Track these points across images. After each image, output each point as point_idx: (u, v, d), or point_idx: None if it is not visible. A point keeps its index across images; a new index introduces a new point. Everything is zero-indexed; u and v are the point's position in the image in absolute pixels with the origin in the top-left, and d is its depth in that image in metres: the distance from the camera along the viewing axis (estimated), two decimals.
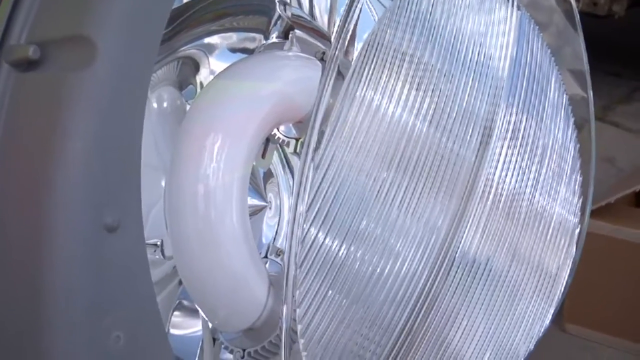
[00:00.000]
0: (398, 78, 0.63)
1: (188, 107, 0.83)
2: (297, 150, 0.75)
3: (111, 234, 0.50)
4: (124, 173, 0.51)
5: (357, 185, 0.61)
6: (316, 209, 0.59)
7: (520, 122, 0.70)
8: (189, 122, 0.65)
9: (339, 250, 0.61)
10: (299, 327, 0.58)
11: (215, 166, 0.63)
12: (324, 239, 0.60)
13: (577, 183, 0.77)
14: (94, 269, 0.49)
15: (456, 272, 0.65)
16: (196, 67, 0.85)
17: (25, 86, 0.51)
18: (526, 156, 0.70)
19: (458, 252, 0.65)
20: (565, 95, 0.75)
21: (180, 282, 0.80)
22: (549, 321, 0.76)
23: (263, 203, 0.85)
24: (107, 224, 0.50)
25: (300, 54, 0.74)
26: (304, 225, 0.58)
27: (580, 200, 0.78)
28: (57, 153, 0.48)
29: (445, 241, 0.64)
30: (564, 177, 0.75)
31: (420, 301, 0.64)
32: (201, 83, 0.84)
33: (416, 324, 0.64)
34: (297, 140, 0.75)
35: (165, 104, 0.82)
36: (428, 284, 0.64)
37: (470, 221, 0.65)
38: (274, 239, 0.86)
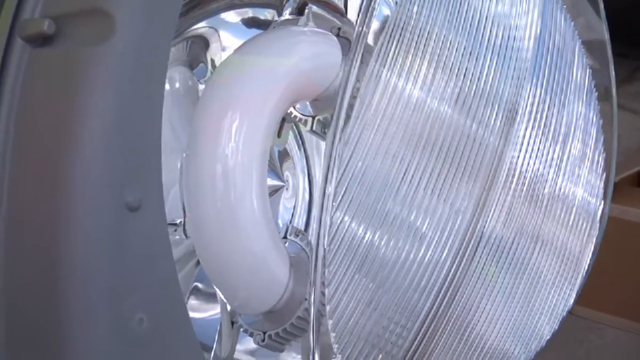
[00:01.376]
0: (423, 59, 0.62)
1: (200, 86, 0.82)
2: (314, 128, 0.73)
3: (133, 214, 0.48)
4: (144, 151, 0.50)
5: (383, 168, 0.60)
6: (342, 193, 0.58)
7: (545, 102, 0.68)
8: (206, 101, 0.63)
9: (364, 235, 0.60)
10: (327, 307, 0.57)
11: (233, 146, 0.61)
12: (350, 223, 0.59)
13: (599, 163, 0.76)
14: (115, 249, 0.48)
15: (480, 257, 0.65)
16: (206, 45, 0.83)
17: (40, 62, 0.50)
18: (550, 137, 0.69)
19: (482, 237, 0.64)
20: (588, 70, 0.74)
21: (197, 263, 0.78)
22: (572, 302, 0.76)
23: (280, 183, 0.83)
24: (128, 203, 0.48)
25: (317, 29, 0.72)
26: (332, 205, 0.57)
27: (603, 181, 0.76)
28: (76, 131, 0.47)
29: (470, 225, 0.63)
30: (587, 157, 0.74)
31: (445, 286, 0.63)
32: (212, 60, 0.82)
33: (441, 309, 0.63)
34: (313, 118, 0.73)
35: (177, 85, 0.81)
36: (453, 269, 0.63)
37: (494, 205, 0.64)
38: (291, 220, 0.85)
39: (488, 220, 0.64)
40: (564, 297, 0.74)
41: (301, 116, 0.74)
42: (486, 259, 0.65)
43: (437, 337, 0.63)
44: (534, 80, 0.67)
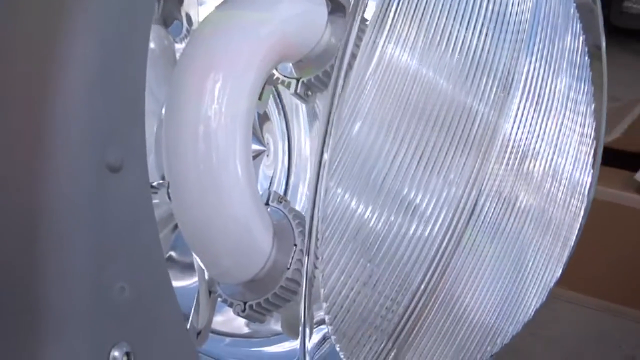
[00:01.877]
0: (420, 28, 0.59)
1: (177, 45, 0.78)
2: (298, 91, 0.70)
3: (114, 174, 0.45)
4: (128, 106, 0.46)
5: (378, 139, 0.58)
6: (336, 162, 0.56)
7: (539, 72, 0.66)
8: (187, 60, 0.60)
9: (357, 208, 0.58)
10: (320, 277, 0.54)
11: (217, 107, 0.58)
12: (343, 194, 0.57)
13: (590, 135, 0.74)
14: (96, 212, 0.44)
15: (471, 230, 0.62)
16: (179, 0, 0.79)
17: (15, 7, 0.46)
18: (543, 110, 0.67)
19: (474, 210, 0.62)
20: (581, 36, 0.71)
21: (174, 229, 0.75)
22: (559, 274, 0.74)
23: (261, 147, 0.80)
24: (109, 162, 0.45)
25: None
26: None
27: (593, 150, 0.75)
28: (55, 80, 0.43)
29: (462, 198, 0.61)
30: (577, 129, 0.72)
31: (436, 260, 0.61)
32: (187, 15, 0.78)
33: (431, 282, 0.61)
34: (297, 80, 0.70)
35: (152, 45, 0.77)
36: (444, 243, 0.61)
37: (487, 179, 0.62)
38: (269, 186, 0.82)
39: (480, 194, 0.62)
40: (551, 269, 0.72)
41: (284, 78, 0.71)
42: (477, 232, 0.63)
43: (426, 311, 0.61)
44: (530, 49, 0.65)
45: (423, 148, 0.59)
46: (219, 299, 0.66)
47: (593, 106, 0.75)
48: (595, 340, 1.60)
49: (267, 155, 0.82)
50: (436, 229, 0.60)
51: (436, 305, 0.62)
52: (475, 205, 0.61)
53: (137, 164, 0.47)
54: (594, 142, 0.75)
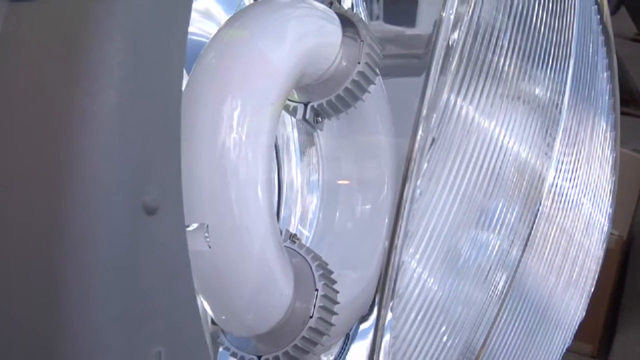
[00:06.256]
0: (497, 88, 0.55)
1: None
2: (307, 117, 0.63)
3: (150, 217, 0.37)
4: (165, 133, 0.39)
5: (452, 211, 0.54)
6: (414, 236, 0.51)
7: (579, 119, 0.62)
8: (198, 83, 0.53)
9: (429, 280, 0.54)
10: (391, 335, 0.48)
11: (236, 137, 0.51)
12: (417, 266, 0.52)
13: (611, 165, 0.70)
14: (130, 264, 0.37)
15: (511, 300, 0.59)
16: None
17: (24, 20, 0.38)
18: (579, 156, 0.63)
19: (519, 272, 0.57)
20: (606, 72, 0.68)
21: None
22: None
23: None
24: (146, 203, 0.37)
25: (315, 2, 0.62)
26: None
27: (610, 198, 0.71)
28: (83, 106, 0.35)
29: (507, 254, 0.57)
30: (602, 174, 0.69)
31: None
32: None
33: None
34: (305, 105, 0.63)
35: None
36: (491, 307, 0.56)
37: (537, 239, 0.58)
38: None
39: (526, 250, 0.58)
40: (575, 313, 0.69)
41: (290, 103, 0.64)
42: (517, 301, 0.59)
43: None
44: (573, 94, 0.61)
45: (495, 216, 0.54)
46: (226, 351, 0.59)
47: (614, 134, 0.71)
48: None
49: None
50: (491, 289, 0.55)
51: None
52: (520, 262, 0.57)
53: (175, 203, 0.39)
54: (613, 176, 0.71)
